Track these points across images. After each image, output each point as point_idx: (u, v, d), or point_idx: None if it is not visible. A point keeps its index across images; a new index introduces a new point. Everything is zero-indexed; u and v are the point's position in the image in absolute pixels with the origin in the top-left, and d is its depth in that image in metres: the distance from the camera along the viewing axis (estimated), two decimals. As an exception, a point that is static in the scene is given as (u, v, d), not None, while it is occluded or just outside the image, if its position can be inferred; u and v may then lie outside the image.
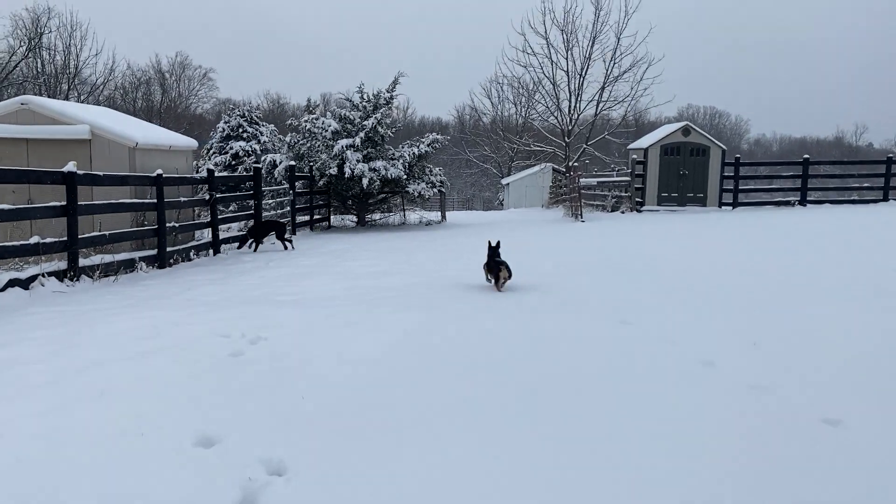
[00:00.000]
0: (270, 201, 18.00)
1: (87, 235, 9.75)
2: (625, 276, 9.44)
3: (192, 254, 12.71)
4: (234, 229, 17.29)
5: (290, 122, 21.41)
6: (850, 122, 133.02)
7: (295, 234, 17.82)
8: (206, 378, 4.86)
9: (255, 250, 14.25)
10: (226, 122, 39.21)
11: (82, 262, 9.68)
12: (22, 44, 38.45)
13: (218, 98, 69.01)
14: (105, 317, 7.05)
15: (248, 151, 31.06)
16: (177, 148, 13.00)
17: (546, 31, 31.19)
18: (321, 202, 20.72)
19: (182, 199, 12.39)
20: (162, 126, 49.93)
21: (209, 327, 6.39)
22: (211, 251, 13.59)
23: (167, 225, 11.72)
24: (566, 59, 31.43)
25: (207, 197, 13.49)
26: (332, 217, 21.39)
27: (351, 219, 21.82)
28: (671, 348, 5.53)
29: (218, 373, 4.98)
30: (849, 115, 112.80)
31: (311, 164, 19.64)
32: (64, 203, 9.27)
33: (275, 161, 19.70)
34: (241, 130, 38.01)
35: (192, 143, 13.83)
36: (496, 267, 8.55)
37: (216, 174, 13.77)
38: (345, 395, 4.48)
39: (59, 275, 9.16)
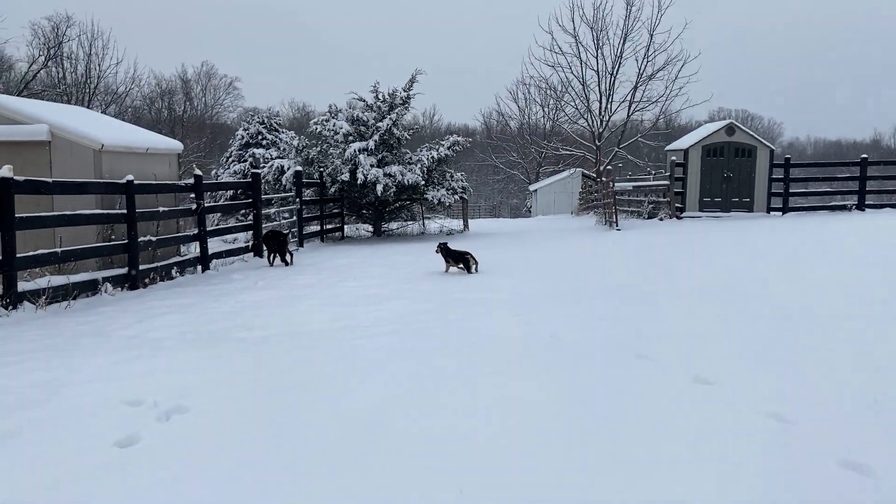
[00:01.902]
0: (282, 210, 16.27)
1: (28, 254, 8.02)
2: (689, 304, 7.45)
3: (174, 271, 10.96)
4: (242, 240, 15.55)
5: (310, 129, 19.66)
6: (889, 125, 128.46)
7: (302, 245, 16.05)
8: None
9: (271, 263, 12.70)
10: (245, 130, 37.84)
11: (24, 286, 7.94)
12: (41, 53, 37.37)
13: (244, 107, 67.87)
14: None
15: (266, 158, 29.49)
16: (156, 151, 11.26)
17: (575, 29, 29.20)
18: (335, 210, 18.93)
19: (161, 208, 10.64)
20: (185, 136, 49.05)
21: (122, 387, 4.57)
22: (199, 268, 11.83)
23: (141, 239, 9.98)
24: (596, 57, 29.43)
25: (194, 206, 11.74)
26: (346, 226, 19.58)
27: (366, 228, 20.00)
28: (788, 434, 3.56)
29: (78, 483, 3.13)
30: (886, 118, 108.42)
31: (322, 169, 17.86)
32: (-4, 216, 7.55)
33: (282, 167, 17.94)
34: (260, 138, 36.62)
35: (174, 145, 12.08)
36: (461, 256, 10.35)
37: (205, 181, 12.02)
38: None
39: (-10, 302, 7.44)
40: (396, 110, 18.00)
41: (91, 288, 9.02)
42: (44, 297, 8.00)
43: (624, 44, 29.02)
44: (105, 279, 9.23)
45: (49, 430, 3.76)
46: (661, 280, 9.02)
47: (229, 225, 16.59)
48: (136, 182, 9.77)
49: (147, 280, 10.20)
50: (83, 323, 7.17)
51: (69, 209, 9.23)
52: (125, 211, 9.66)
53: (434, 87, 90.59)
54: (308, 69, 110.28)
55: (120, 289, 9.59)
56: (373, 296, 8.52)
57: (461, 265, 10.43)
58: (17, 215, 7.68)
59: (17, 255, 7.75)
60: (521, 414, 3.89)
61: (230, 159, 35.76)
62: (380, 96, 18.78)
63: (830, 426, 3.67)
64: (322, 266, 12.40)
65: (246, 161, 31.71)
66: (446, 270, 10.63)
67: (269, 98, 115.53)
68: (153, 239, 10.36)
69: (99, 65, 41.43)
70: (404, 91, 18.65)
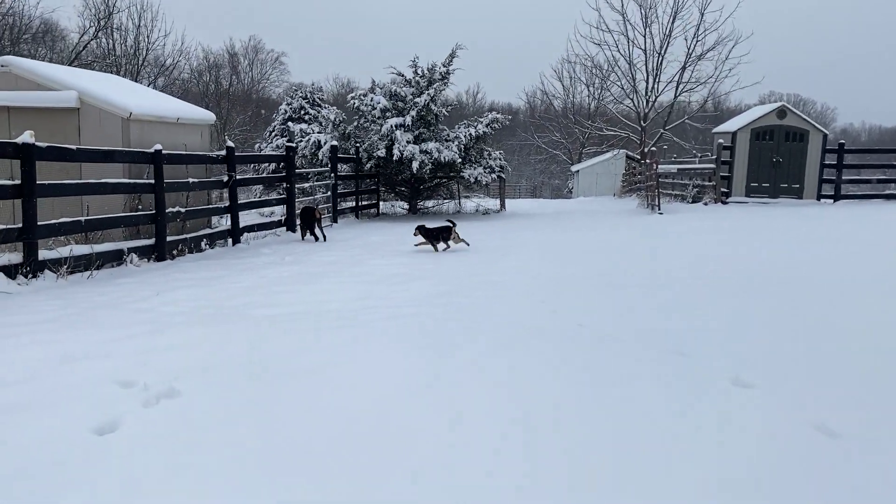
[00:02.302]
0: (317, 185, 16.03)
1: (51, 222, 7.86)
2: (735, 298, 6.95)
3: (203, 243, 10.77)
4: (279, 214, 15.34)
5: (348, 103, 19.33)
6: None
7: (336, 221, 15.79)
8: None
9: (303, 238, 12.45)
10: (288, 105, 37.78)
11: (45, 254, 7.79)
12: (91, 24, 37.71)
13: (290, 82, 67.92)
14: None
15: (304, 133, 29.34)
16: (187, 121, 11.03)
17: (623, 6, 28.22)
18: (371, 186, 18.63)
19: (191, 180, 10.43)
20: (230, 109, 49.15)
21: (118, 365, 4.31)
22: (230, 240, 11.65)
23: (169, 210, 9.80)
24: (644, 35, 28.45)
25: (225, 178, 11.53)
26: (381, 203, 19.28)
27: (402, 206, 19.67)
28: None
29: (31, 478, 2.86)
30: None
31: (359, 144, 17.54)
32: (17, 183, 7.38)
33: (319, 141, 17.67)
34: (302, 112, 36.51)
35: (207, 116, 11.85)
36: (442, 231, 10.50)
37: (237, 153, 11.78)
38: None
39: (11, 270, 7.29)
40: (434, 86, 17.55)
41: (116, 258, 8.86)
42: (65, 267, 7.84)
43: (673, 22, 27.99)
44: (130, 249, 9.06)
45: (24, 412, 3.50)
46: (702, 268, 8.50)
47: (262, 198, 16.40)
48: (164, 152, 9.57)
49: (175, 252, 10.03)
50: (100, 294, 6.98)
51: (97, 178, 9.08)
52: (153, 181, 9.48)
53: (479, 66, 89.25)
54: (354, 45, 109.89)
55: (146, 259, 9.43)
56: (398, 275, 8.18)
57: (440, 242, 10.51)
58: (37, 182, 7.51)
59: (39, 224, 7.58)
60: (532, 434, 3.51)
61: (273, 133, 35.74)
62: (419, 71, 18.34)
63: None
64: (353, 242, 12.12)
65: (289, 135, 31.66)
66: (417, 245, 10.68)
67: (314, 73, 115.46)
68: (182, 210, 10.18)
69: (147, 37, 41.71)
70: (443, 66, 18.18)
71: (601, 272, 8.23)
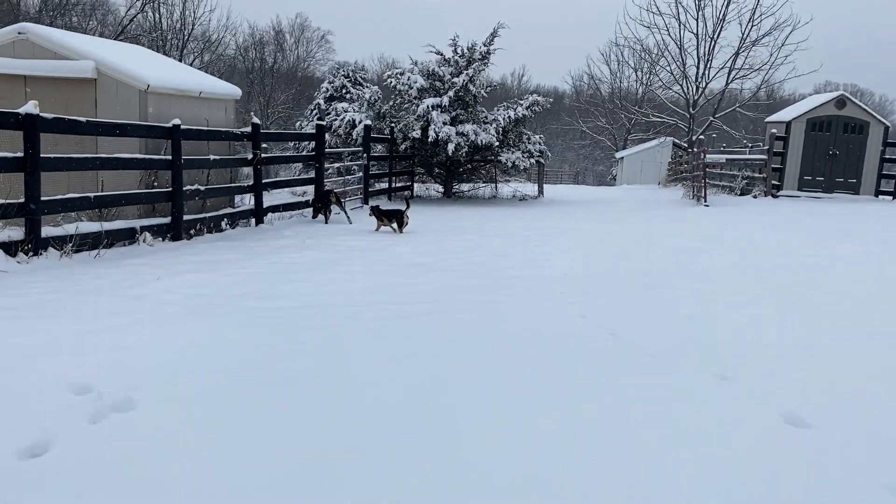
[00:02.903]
0: (349, 164, 15.53)
1: (56, 198, 7.44)
2: (785, 305, 6.21)
3: (224, 223, 10.31)
4: (311, 194, 14.82)
5: (385, 82, 18.71)
6: None
7: (367, 203, 15.21)
8: None
9: (326, 221, 12.03)
10: (329, 83, 37.36)
11: (49, 231, 7.38)
12: (136, -2, 37.74)
13: (335, 61, 67.46)
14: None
15: (338, 112, 28.86)
16: (211, 95, 10.53)
17: (676, -12, 27.04)
18: (406, 168, 18.03)
19: (212, 157, 9.96)
20: (274, 87, 48.90)
21: (83, 364, 3.81)
22: (252, 220, 11.18)
23: (187, 188, 9.35)
24: (696, 19, 27.26)
25: (250, 156, 11.04)
26: (415, 186, 18.67)
27: (436, 189, 19.04)
28: None
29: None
30: None
31: (394, 124, 16.94)
32: (20, 155, 6.96)
33: (354, 121, 17.13)
34: (344, 91, 36.05)
35: (232, 90, 11.34)
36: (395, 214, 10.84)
37: (263, 130, 11.28)
38: None
39: (11, 247, 6.89)
40: (474, 66, 16.81)
41: (128, 236, 8.45)
42: (70, 245, 7.42)
43: (728, 6, 26.73)
44: (144, 228, 8.63)
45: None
46: (749, 269, 7.74)
47: (287, 178, 15.90)
48: (183, 127, 9.10)
49: (193, 231, 9.59)
50: (100, 276, 6.52)
51: (112, 152, 8.65)
52: (170, 157, 9.02)
53: (524, 48, 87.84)
54: (400, 24, 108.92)
55: (161, 239, 9.01)
56: (417, 265, 7.59)
57: (394, 223, 10.79)
58: (41, 155, 7.07)
59: (43, 199, 7.17)
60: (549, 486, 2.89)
61: (314, 112, 35.34)
62: (458, 50, 17.62)
63: None
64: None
65: (329, 114, 31.31)
66: (377, 229, 10.95)
67: (360, 52, 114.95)
68: (201, 188, 9.72)
69: (194, 11, 41.62)
70: (484, 46, 17.42)
71: (638, 269, 7.54)
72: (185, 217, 9.35)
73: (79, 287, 5.99)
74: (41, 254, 7.18)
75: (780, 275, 7.41)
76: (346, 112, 17.38)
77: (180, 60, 41.22)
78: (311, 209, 12.76)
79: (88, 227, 7.83)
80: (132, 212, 9.04)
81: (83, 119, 7.76)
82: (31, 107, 6.97)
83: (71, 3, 38.10)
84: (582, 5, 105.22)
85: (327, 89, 36.52)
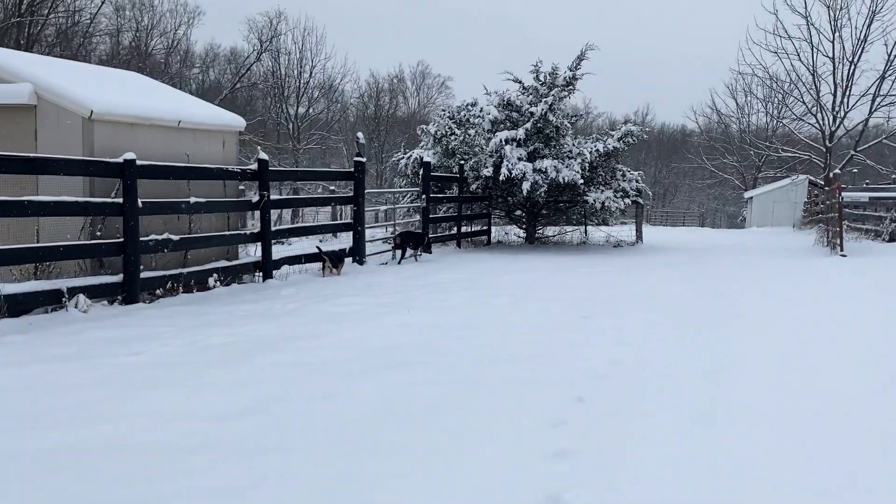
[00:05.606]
0: (411, 206, 13.33)
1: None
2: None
3: (213, 279, 8.26)
4: (343, 241, 12.64)
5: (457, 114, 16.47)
6: None
7: (430, 251, 12.81)
8: None
9: (399, 262, 11.06)
10: (435, 126, 35.75)
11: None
12: (255, 47, 38.09)
13: (452, 106, 66.59)
14: None
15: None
16: (196, 126, 8.52)
17: (807, 9, 23.23)
18: (482, 211, 15.51)
19: (192, 199, 7.95)
20: (388, 131, 48.19)
21: None
22: (259, 275, 9.08)
23: (152, 237, 7.37)
24: (832, 41, 23.24)
25: (255, 198, 9.00)
26: (493, 230, 16.10)
27: (517, 233, 16.39)
28: None
29: None
30: None
31: (464, 162, 14.58)
32: None
33: (421, 158, 14.93)
34: (447, 132, 34.25)
35: (231, 121, 9.32)
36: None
37: (271, 167, 9.22)
38: None
39: None
40: (554, 91, 14.16)
41: (52, 300, 6.48)
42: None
43: (870, 25, 22.61)
44: (75, 289, 6.63)
45: None
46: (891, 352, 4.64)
47: (306, 224, 13.81)
48: (144, 163, 7.15)
49: (160, 291, 7.58)
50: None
51: (59, 194, 6.78)
52: (120, 200, 7.05)
53: (647, 84, 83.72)
54: (512, 64, 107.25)
55: (108, 302, 7.03)
56: (407, 346, 5.07)
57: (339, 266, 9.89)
58: None
59: None
60: None
61: (398, 154, 33.80)
62: (540, 77, 15.10)
63: None
64: (411, 283, 9.11)
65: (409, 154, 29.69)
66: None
67: (476, 94, 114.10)
68: (173, 238, 7.70)
69: (312, 59, 41.40)
70: (570, 70, 14.79)
71: (725, 362, 4.63)
72: (147, 274, 7.35)
73: None
74: None
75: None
76: (412, 150, 15.25)
77: (297, 107, 41.29)
78: (349, 258, 10.55)
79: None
80: (71, 268, 7.11)
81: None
82: None
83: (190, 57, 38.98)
84: (704, 38, 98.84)
85: (433, 131, 34.89)
